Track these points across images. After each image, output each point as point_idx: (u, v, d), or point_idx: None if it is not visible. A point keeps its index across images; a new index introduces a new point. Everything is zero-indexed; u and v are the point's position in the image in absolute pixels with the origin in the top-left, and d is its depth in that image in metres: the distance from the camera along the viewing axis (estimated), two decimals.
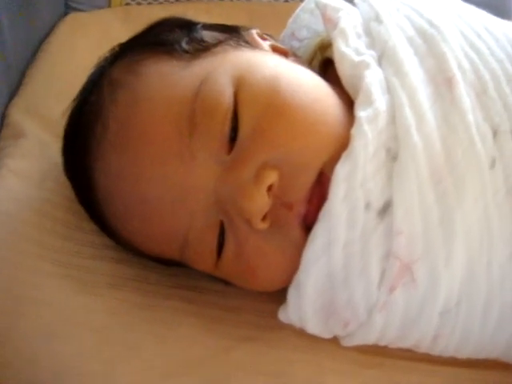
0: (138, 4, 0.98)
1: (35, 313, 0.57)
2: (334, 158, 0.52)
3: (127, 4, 0.97)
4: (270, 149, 0.53)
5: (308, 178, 0.53)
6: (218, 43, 0.60)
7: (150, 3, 0.98)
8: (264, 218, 0.53)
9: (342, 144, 0.52)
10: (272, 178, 0.52)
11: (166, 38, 0.60)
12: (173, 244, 0.57)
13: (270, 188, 0.52)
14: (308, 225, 0.54)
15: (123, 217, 0.58)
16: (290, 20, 0.73)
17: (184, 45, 0.59)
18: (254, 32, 0.65)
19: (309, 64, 0.67)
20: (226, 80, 0.55)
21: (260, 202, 0.52)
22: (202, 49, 0.59)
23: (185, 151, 0.54)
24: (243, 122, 0.54)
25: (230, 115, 0.53)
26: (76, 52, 0.86)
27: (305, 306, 0.53)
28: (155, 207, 0.55)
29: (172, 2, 0.98)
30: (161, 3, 0.98)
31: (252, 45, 0.62)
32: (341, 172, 0.51)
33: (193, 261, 0.58)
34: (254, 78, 0.55)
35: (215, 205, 0.54)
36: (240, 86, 0.54)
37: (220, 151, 0.54)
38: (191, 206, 0.54)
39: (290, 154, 0.53)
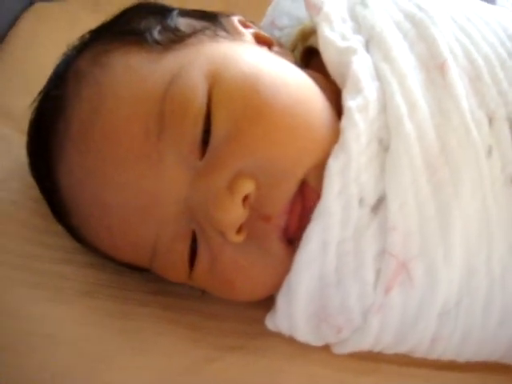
0: None
1: (2, 324, 0.53)
2: (318, 166, 0.48)
3: None
4: (246, 155, 0.49)
5: (288, 188, 0.49)
6: (193, 33, 0.55)
7: None
8: (239, 230, 0.49)
9: (329, 149, 0.49)
10: (248, 187, 0.48)
11: (136, 27, 0.56)
12: (141, 254, 0.53)
13: (245, 198, 0.48)
14: (289, 237, 0.50)
15: (88, 223, 0.55)
16: (270, 8, 0.70)
17: (156, 34, 0.54)
18: (236, 19, 0.60)
19: None
20: (200, 76, 0.50)
21: (234, 213, 0.48)
22: (176, 39, 0.54)
23: (152, 154, 0.49)
24: (217, 123, 0.49)
25: (202, 116, 0.49)
26: (42, 44, 0.83)
27: (296, 312, 0.50)
28: (120, 215, 0.51)
29: None
30: None
31: (232, 34, 0.58)
32: (334, 166, 0.47)
33: (164, 272, 0.55)
34: (230, 74, 0.50)
35: (186, 213, 0.50)
36: (215, 82, 0.50)
37: (191, 155, 0.50)
38: (159, 214, 0.50)
39: (269, 161, 0.49)
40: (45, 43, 0.82)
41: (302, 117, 0.50)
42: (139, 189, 0.50)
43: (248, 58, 0.53)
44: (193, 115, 0.49)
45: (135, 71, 0.51)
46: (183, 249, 0.51)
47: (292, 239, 0.49)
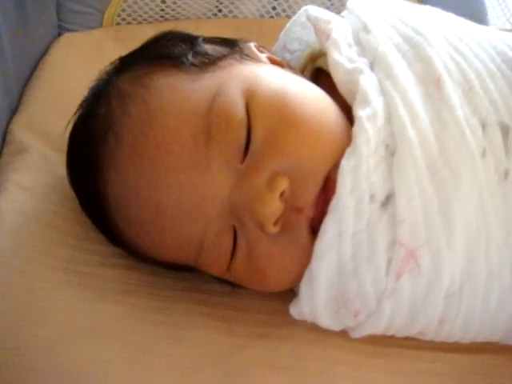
0: (128, 24, 1.00)
1: (54, 320, 0.59)
2: (339, 164, 0.55)
3: (118, 24, 1.00)
4: (281, 157, 0.56)
5: (316, 184, 0.56)
6: (223, 57, 0.62)
7: (139, 22, 1.01)
8: (275, 223, 0.56)
9: (345, 149, 0.55)
10: (284, 184, 0.55)
11: (171, 52, 0.63)
12: (188, 250, 0.59)
13: (281, 194, 0.55)
14: (314, 228, 0.56)
15: (138, 225, 0.60)
16: (282, 33, 0.77)
17: (191, 58, 0.61)
18: (252, 45, 0.68)
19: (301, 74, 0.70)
20: (237, 93, 0.58)
21: (273, 206, 0.55)
22: (208, 62, 0.61)
23: (201, 160, 0.56)
24: (255, 132, 0.57)
25: (244, 126, 0.56)
26: (71, 70, 0.89)
27: (317, 297, 0.56)
28: (172, 215, 0.57)
29: (161, 22, 1.00)
30: (150, 23, 1.01)
31: (252, 57, 0.65)
32: (346, 166, 0.54)
33: (207, 265, 0.61)
34: (262, 91, 0.58)
35: (228, 210, 0.57)
36: (250, 98, 0.57)
37: (234, 160, 0.56)
38: (207, 213, 0.57)
39: (300, 161, 0.56)
40: (73, 68, 0.88)
41: (324, 123, 0.57)
42: (189, 190, 0.56)
43: (274, 76, 0.61)
44: (236, 126, 0.56)
45: (178, 90, 0.58)
46: (226, 242, 0.58)
47: (316, 228, 0.56)
